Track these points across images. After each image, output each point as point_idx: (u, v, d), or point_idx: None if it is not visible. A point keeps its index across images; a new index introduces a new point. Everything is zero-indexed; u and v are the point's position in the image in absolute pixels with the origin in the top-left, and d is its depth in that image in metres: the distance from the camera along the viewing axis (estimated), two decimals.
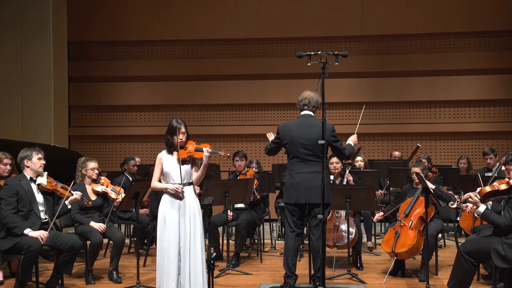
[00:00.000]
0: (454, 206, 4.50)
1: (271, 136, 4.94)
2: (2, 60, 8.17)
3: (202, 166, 4.30)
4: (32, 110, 8.09)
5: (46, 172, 4.89)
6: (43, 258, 4.89)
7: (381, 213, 5.91)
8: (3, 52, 8.17)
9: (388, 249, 5.30)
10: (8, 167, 5.26)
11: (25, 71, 8.14)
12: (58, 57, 8.31)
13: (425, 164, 5.99)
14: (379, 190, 7.11)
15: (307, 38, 9.61)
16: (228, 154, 4.36)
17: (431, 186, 5.25)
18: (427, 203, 4.93)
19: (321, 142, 4.28)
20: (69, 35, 8.84)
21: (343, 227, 5.69)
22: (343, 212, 5.71)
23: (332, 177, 5.90)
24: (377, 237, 7.15)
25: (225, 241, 6.03)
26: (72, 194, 4.91)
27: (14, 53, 8.14)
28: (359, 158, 7.30)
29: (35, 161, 4.81)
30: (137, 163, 7.52)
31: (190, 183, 4.34)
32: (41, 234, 4.59)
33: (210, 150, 4.26)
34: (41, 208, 4.80)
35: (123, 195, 5.36)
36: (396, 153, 8.33)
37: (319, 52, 4.31)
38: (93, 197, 5.45)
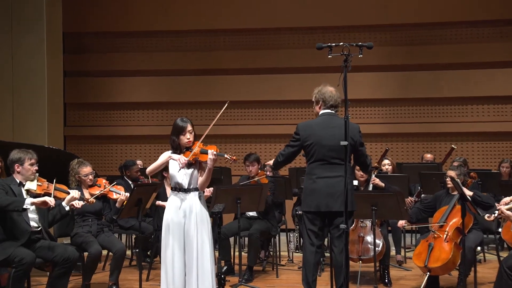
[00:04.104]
0: (491, 218, 4.46)
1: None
2: None
3: (207, 170, 4.30)
4: (24, 108, 8.14)
5: (37, 174, 4.90)
6: (37, 269, 4.90)
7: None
8: None
9: (420, 263, 5.25)
10: None
11: (16, 66, 8.19)
12: (52, 50, 8.35)
13: (464, 169, 5.91)
14: (409, 197, 7.06)
15: (327, 27, 9.59)
16: (235, 158, 4.32)
17: (468, 192, 5.19)
18: (464, 212, 4.87)
19: (343, 143, 4.22)
20: (64, 25, 8.89)
21: (369, 238, 5.65)
22: (368, 222, 5.66)
23: (356, 182, 5.84)
24: (407, 250, 7.10)
25: (237, 253, 6.03)
26: (69, 193, 4.91)
27: (4, 46, 8.20)
28: (386, 161, 7.26)
29: (27, 167, 4.82)
30: (139, 167, 7.52)
31: (196, 189, 4.34)
32: (45, 199, 4.54)
33: (215, 153, 4.24)
34: (32, 215, 4.78)
35: (125, 193, 5.36)
36: (428, 156, 8.31)
37: (341, 43, 4.27)
38: None
